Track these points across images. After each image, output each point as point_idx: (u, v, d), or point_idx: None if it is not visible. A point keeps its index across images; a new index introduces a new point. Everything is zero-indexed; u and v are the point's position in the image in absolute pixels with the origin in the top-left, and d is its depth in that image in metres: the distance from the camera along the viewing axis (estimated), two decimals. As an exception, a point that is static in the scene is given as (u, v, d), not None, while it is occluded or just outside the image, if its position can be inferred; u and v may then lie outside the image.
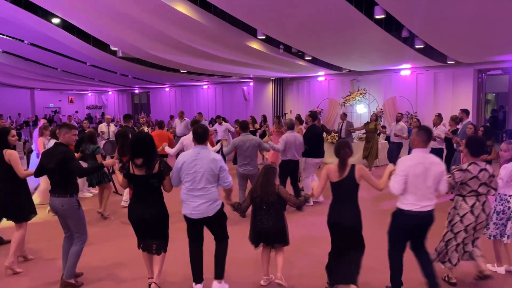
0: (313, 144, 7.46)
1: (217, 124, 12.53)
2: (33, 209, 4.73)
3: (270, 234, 3.98)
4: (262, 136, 11.73)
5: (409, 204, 3.64)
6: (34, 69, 15.89)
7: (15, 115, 23.55)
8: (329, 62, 12.84)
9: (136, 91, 26.41)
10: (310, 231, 5.85)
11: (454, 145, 7.85)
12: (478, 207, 3.87)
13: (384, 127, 12.19)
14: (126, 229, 5.65)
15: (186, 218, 3.94)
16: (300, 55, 11.75)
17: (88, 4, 7.86)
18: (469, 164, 3.91)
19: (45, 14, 9.15)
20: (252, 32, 9.53)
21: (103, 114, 26.51)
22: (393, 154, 10.11)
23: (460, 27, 8.08)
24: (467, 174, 3.86)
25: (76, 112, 25.96)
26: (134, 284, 4.28)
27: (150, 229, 3.85)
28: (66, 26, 9.80)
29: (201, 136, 3.95)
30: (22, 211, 4.61)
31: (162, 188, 3.92)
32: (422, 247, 3.80)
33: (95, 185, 6.81)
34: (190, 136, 6.24)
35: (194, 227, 3.95)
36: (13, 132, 4.77)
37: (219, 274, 3.98)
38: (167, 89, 23.87)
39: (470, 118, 12.29)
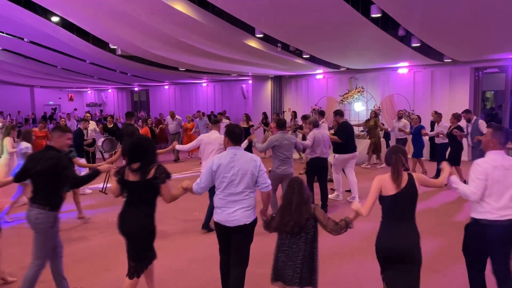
0: (345, 139, 7.40)
1: (197, 119, 12.67)
2: None
3: (294, 267, 3.13)
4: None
5: (485, 212, 3.23)
6: (34, 67, 15.96)
7: (15, 113, 23.62)
8: (327, 60, 12.92)
9: (136, 89, 26.48)
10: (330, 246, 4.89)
11: (469, 141, 8.37)
12: None
13: (382, 124, 12.33)
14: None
15: (218, 226, 3.57)
16: (298, 53, 11.83)
17: (87, 2, 7.93)
18: None
19: (45, 13, 9.21)
20: (250, 30, 9.61)
21: (101, 112, 26.59)
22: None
23: (456, 26, 8.16)
24: None
25: (75, 109, 26.00)
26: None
27: (131, 245, 3.39)
28: (65, 24, 9.86)
29: (239, 136, 3.65)
30: None
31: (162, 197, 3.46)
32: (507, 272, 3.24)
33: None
34: (210, 134, 6.17)
35: (225, 236, 3.56)
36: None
37: None
38: (166, 87, 23.95)
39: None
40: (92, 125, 11.41)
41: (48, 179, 3.53)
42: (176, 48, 10.99)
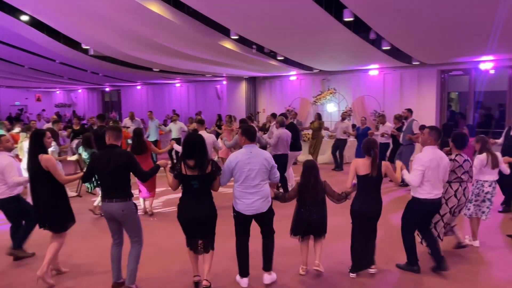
0: (295, 139, 8.28)
1: (172, 123, 12.53)
2: (71, 217, 4.38)
3: (317, 225, 4.31)
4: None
5: (425, 193, 4.27)
6: (-1, 66, 15.40)
7: (-22, 113, 22.66)
8: (301, 62, 13.14)
9: (107, 89, 25.94)
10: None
11: (400, 139, 9.18)
12: (460, 191, 4.58)
13: (354, 125, 12.58)
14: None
15: (239, 214, 4.08)
16: (273, 55, 11.99)
17: (60, 2, 7.78)
18: (456, 155, 4.60)
19: (13, 11, 8.95)
20: (225, 32, 9.66)
21: (74, 112, 25.90)
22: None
23: (423, 31, 8.52)
24: (455, 163, 4.54)
25: (43, 110, 25.19)
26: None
27: (200, 228, 3.97)
28: (35, 23, 9.60)
29: (254, 135, 4.18)
30: (61, 219, 4.28)
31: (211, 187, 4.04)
32: (428, 227, 4.56)
33: (92, 189, 6.66)
34: (205, 134, 6.74)
35: (245, 222, 4.11)
36: (48, 134, 4.44)
37: (269, 267, 4.22)
38: (138, 87, 23.60)
39: (434, 115, 12.99)
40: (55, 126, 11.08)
41: (123, 174, 3.95)
42: (150, 48, 10.90)
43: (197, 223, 3.95)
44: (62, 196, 4.28)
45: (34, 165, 4.19)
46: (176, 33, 9.20)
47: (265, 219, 4.16)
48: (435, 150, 4.35)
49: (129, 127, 11.90)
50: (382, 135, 9.95)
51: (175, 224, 4.17)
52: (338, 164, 11.21)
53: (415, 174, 4.26)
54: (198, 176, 3.87)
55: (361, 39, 9.26)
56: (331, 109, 15.06)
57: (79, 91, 27.36)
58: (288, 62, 13.00)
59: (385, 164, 4.30)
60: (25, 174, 4.77)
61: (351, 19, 7.92)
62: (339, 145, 11.24)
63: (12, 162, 4.80)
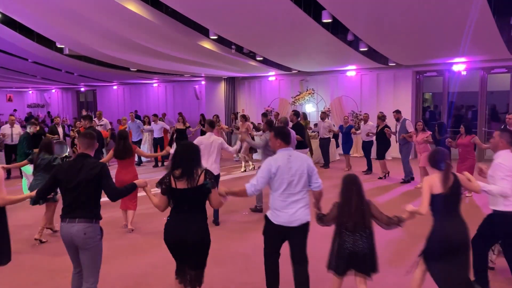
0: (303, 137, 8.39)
1: (153, 123, 12.48)
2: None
3: (363, 259, 3.35)
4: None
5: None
6: (-32, 65, 14.82)
7: None
8: (279, 62, 13.20)
9: (82, 89, 25.36)
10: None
11: (395, 138, 9.71)
12: None
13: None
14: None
15: (278, 227, 3.54)
16: (252, 55, 12.00)
17: (33, -1, 7.56)
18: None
19: (-17, 8, 8.64)
20: (204, 32, 9.61)
21: (49, 113, 25.19)
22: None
23: (399, 33, 8.72)
24: None
25: (15, 110, 24.41)
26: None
27: (189, 255, 3.30)
28: (6, 21, 9.29)
29: (289, 137, 3.72)
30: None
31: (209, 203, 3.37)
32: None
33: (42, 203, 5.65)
34: (208, 137, 6.24)
35: (281, 238, 3.60)
36: None
37: None
38: (115, 87, 23.17)
39: (410, 115, 13.33)
40: (16, 129, 10.70)
41: (92, 188, 3.32)
42: (127, 48, 10.73)
43: (185, 249, 3.26)
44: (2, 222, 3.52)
45: None
46: (154, 32, 9.09)
47: (301, 235, 3.57)
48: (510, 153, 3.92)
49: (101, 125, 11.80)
50: (368, 135, 10.48)
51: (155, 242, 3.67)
52: (327, 162, 11.80)
53: (506, 182, 3.70)
54: (188, 190, 3.21)
55: (339, 40, 9.39)
56: (310, 109, 15.21)
57: (53, 91, 26.64)
58: (267, 62, 13.05)
59: (461, 176, 3.56)
60: None
61: (329, 20, 8.02)
62: (324, 144, 11.78)
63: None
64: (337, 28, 8.87)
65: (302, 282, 3.58)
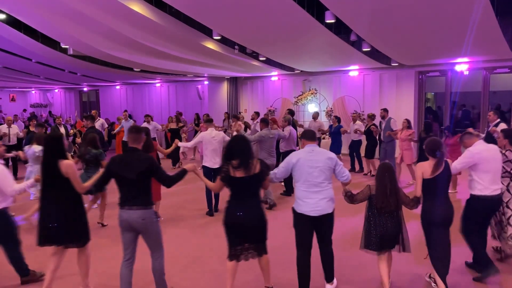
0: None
1: (145, 123, 12.57)
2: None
3: (394, 237, 3.94)
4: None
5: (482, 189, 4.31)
6: (-29, 65, 14.89)
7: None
8: (282, 62, 13.23)
9: (85, 89, 25.45)
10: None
11: (382, 137, 9.87)
12: None
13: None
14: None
15: (302, 217, 3.86)
16: (255, 55, 12.03)
17: (39, 0, 7.62)
18: (506, 150, 4.69)
19: (-12, 9, 8.70)
20: (207, 32, 9.65)
21: (50, 112, 25.30)
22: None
23: (402, 33, 8.74)
24: (504, 157, 4.62)
25: (24, 110, 24.60)
26: None
27: (251, 234, 3.76)
28: (11, 21, 9.36)
29: (313, 135, 4.13)
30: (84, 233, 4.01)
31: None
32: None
33: (94, 192, 6.03)
34: (210, 132, 6.84)
35: (309, 227, 3.89)
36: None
37: (331, 277, 4.07)
38: (117, 87, 23.24)
39: (413, 115, 13.35)
40: (14, 129, 10.69)
41: (146, 180, 3.68)
42: (131, 48, 10.78)
43: (246, 229, 3.73)
44: (82, 205, 4.00)
45: (51, 172, 3.79)
46: (158, 33, 9.14)
47: (327, 224, 3.93)
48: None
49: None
50: (355, 132, 10.77)
51: (188, 227, 4.09)
52: None
53: (459, 162, 4.34)
54: (246, 178, 3.69)
55: (342, 40, 9.42)
56: (312, 109, 15.22)
57: (56, 91, 26.73)
58: (270, 62, 13.08)
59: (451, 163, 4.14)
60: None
61: (333, 21, 8.06)
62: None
63: (3, 169, 4.24)
64: (339, 29, 8.91)
65: (327, 260, 4.04)
